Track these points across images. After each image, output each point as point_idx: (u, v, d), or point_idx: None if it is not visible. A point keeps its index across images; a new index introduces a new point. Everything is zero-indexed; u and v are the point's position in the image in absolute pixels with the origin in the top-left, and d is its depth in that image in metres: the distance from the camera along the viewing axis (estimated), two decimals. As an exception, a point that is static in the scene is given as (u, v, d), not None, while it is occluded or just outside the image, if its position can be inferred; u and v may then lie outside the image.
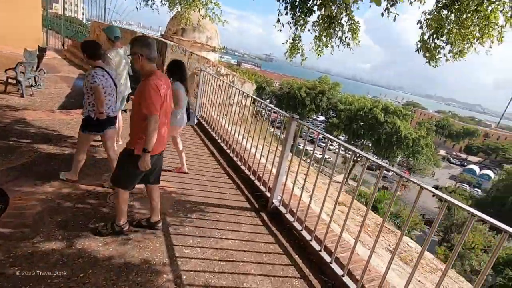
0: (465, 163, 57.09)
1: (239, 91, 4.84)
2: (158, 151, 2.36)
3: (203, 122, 6.07)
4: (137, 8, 5.37)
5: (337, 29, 3.19)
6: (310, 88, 42.26)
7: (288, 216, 3.12)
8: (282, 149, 3.20)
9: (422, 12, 3.03)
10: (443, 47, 3.03)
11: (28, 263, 2.06)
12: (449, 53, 3.03)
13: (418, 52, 3.20)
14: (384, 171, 2.21)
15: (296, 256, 2.72)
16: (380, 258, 3.26)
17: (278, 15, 3.26)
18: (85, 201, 2.87)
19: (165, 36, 8.81)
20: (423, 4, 3.06)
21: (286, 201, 3.27)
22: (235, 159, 4.44)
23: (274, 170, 3.45)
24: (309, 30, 3.41)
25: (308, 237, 2.80)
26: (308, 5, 2.96)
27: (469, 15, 2.64)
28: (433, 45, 3.04)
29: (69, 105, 6.20)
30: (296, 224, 2.99)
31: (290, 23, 3.38)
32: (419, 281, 3.22)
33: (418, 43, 3.17)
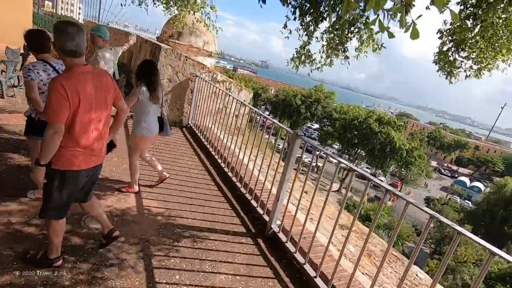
0: (456, 175, 57.70)
1: (236, 100, 4.52)
2: (82, 166, 1.87)
3: (196, 131, 5.71)
4: (121, 4, 5.02)
5: (353, 36, 2.87)
6: (305, 96, 42.28)
7: (289, 245, 2.77)
8: (284, 168, 2.86)
9: (444, 21, 2.76)
10: (463, 61, 2.76)
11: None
12: (470, 69, 2.76)
13: (436, 64, 2.93)
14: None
15: (298, 295, 2.37)
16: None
17: (286, 21, 2.94)
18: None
19: (160, 39, 8.47)
20: (442, 13, 2.77)
21: (287, 227, 2.92)
22: (230, 174, 4.08)
23: (274, 189, 3.11)
24: (316, 38, 3.09)
25: (312, 273, 2.45)
26: (320, 10, 2.64)
27: (497, 27, 2.39)
28: (452, 58, 2.77)
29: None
30: (298, 256, 2.64)
31: (299, 29, 3.06)
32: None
33: (436, 54, 2.90)
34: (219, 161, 4.47)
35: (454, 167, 63.30)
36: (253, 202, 3.41)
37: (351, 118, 37.53)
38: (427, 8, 2.93)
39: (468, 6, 2.53)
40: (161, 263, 2.34)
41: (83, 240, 2.39)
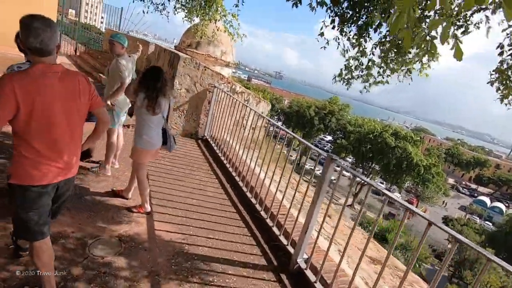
0: (475, 194, 55.30)
1: (254, 112, 4.26)
2: (44, 180, 1.60)
3: (212, 144, 5.45)
4: (143, 11, 4.88)
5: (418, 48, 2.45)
6: (319, 108, 41.84)
7: (319, 286, 2.40)
8: (314, 195, 2.52)
9: (507, 33, 2.37)
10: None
11: None
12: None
13: (492, 85, 2.55)
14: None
15: None
16: None
17: (322, 28, 2.60)
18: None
19: (178, 48, 8.38)
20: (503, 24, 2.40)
21: (315, 262, 2.55)
22: (248, 194, 3.76)
23: (294, 212, 2.76)
24: (363, 48, 2.67)
25: (348, 325, 2.07)
26: (371, 18, 2.28)
27: None
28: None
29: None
30: (330, 301, 2.26)
31: (339, 39, 2.69)
32: None
33: (493, 73, 2.51)
34: (237, 179, 4.16)
35: (473, 186, 60.78)
36: (275, 229, 3.06)
37: (366, 131, 36.73)
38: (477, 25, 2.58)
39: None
40: (173, 304, 2.03)
41: (85, 272, 2.11)
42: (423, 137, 49.27)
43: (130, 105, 3.66)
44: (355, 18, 2.29)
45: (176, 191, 3.60)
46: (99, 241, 2.44)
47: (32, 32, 1.45)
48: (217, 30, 6.62)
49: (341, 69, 2.89)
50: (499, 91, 2.56)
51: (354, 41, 2.60)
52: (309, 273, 2.52)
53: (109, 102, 3.39)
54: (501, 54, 2.47)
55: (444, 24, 1.25)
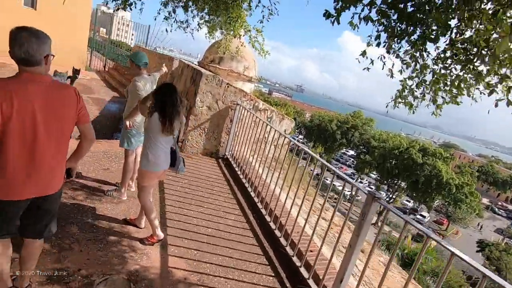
0: (514, 216, 50.99)
1: (276, 131, 4.01)
2: (11, 195, 1.51)
3: (233, 164, 5.18)
4: (166, 30, 4.80)
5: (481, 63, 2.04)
6: (342, 122, 40.86)
7: None
8: (353, 237, 2.14)
9: None
10: None
11: None
12: None
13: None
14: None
15: None
16: None
17: (368, 45, 2.25)
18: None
19: (201, 64, 8.36)
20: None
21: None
22: (272, 226, 3.40)
23: (325, 250, 2.38)
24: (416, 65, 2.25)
25: None
26: (428, 32, 1.91)
27: None
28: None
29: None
30: None
31: (403, 60, 2.30)
32: None
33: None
34: (259, 205, 3.83)
35: (511, 207, 56.22)
36: (303, 271, 2.68)
37: (391, 147, 35.20)
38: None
39: None
40: None
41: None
42: (453, 153, 46.56)
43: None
44: (409, 32, 1.95)
45: (194, 219, 3.33)
46: (106, 281, 2.19)
47: (17, 41, 1.45)
48: (241, 45, 6.48)
49: (398, 91, 2.50)
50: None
51: (407, 58, 2.24)
52: (345, 332, 2.11)
53: (127, 123, 3.24)
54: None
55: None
